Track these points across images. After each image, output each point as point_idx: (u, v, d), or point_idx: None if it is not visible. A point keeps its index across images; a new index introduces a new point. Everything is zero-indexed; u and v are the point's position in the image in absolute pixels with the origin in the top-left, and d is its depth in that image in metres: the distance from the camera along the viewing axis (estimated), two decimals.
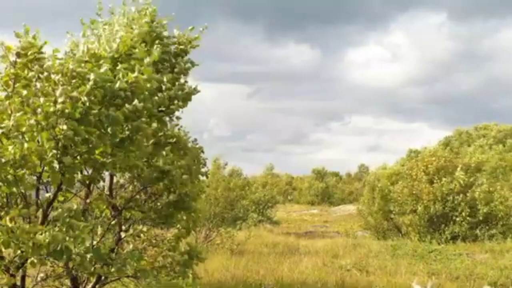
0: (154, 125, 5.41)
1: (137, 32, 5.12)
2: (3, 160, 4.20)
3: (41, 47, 4.68)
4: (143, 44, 5.30)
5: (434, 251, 15.22)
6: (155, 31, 5.97)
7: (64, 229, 4.23)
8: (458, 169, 19.30)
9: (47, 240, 4.05)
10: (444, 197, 18.73)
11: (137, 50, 4.93)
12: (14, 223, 4.18)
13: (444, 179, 19.02)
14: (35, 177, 4.59)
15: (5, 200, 4.75)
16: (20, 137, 4.34)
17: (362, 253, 15.08)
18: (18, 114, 4.29)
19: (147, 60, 4.80)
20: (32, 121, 4.32)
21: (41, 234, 4.14)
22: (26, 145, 4.26)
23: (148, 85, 4.68)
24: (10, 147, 4.27)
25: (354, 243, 17.16)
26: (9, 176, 4.27)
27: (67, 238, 4.16)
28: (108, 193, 6.12)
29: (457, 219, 18.23)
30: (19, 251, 4.17)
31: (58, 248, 4.14)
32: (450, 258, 14.23)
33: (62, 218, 4.25)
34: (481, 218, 18.39)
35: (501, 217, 18.53)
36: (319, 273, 11.78)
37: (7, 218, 4.21)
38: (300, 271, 11.94)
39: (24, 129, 4.33)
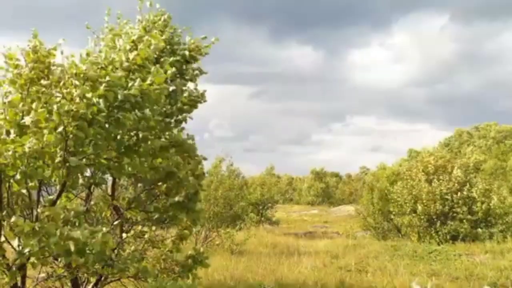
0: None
1: (154, 47, 5.13)
2: (16, 154, 4.26)
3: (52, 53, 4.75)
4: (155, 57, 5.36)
5: (434, 251, 15.22)
6: (170, 42, 6.10)
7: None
8: (456, 168, 19.38)
9: (80, 238, 4.02)
10: (443, 196, 18.79)
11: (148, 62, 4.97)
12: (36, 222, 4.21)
13: (441, 177, 19.10)
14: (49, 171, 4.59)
15: (6, 200, 4.76)
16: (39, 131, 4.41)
17: (362, 254, 15.09)
18: (40, 110, 4.36)
19: (161, 75, 4.85)
20: (49, 116, 4.38)
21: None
22: (45, 137, 4.33)
23: (157, 91, 4.71)
24: (28, 140, 4.33)
25: (354, 243, 17.18)
26: (27, 169, 4.30)
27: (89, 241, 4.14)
28: (110, 194, 6.12)
29: (459, 215, 18.30)
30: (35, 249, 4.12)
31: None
32: (450, 259, 14.23)
33: (79, 219, 4.28)
34: (480, 216, 18.45)
35: (500, 216, 18.58)
36: (319, 273, 11.78)
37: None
38: (300, 271, 11.95)
39: (43, 125, 4.39)
